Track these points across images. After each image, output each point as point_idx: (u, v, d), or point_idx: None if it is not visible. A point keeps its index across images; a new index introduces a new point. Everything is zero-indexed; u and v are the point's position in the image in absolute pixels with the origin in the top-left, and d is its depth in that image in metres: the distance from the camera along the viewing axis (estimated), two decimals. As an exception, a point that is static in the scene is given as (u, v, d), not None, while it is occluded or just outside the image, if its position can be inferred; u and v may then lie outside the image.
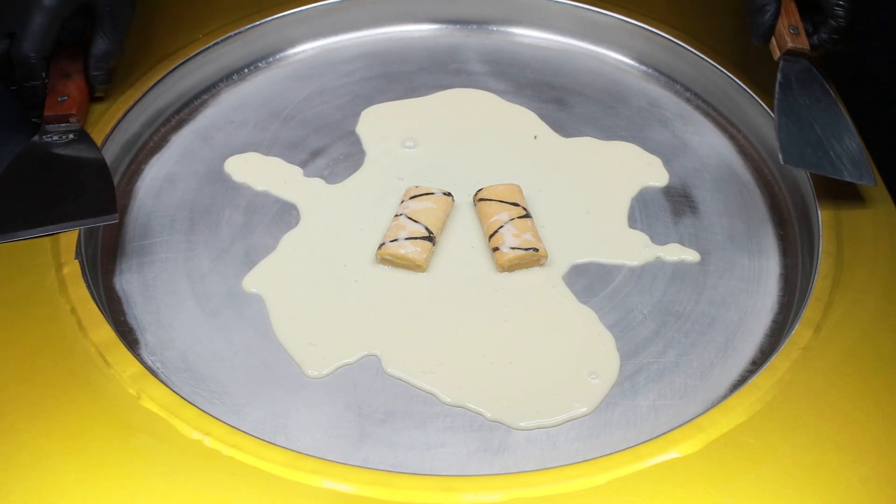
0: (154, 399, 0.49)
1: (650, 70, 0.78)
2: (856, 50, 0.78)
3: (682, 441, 0.48)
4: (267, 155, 0.69)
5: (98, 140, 0.63)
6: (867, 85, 0.76)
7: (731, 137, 0.72)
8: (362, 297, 0.59)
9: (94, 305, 0.53)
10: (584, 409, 0.53)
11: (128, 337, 0.56)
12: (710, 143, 0.71)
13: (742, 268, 0.61)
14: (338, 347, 0.55)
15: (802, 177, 0.64)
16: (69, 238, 0.57)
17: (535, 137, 0.70)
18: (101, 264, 0.60)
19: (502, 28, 0.80)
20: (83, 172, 0.60)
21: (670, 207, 0.66)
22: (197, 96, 0.73)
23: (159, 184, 0.66)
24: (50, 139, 0.62)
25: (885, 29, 0.75)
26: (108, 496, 0.45)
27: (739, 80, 0.71)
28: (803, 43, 0.57)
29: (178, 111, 0.72)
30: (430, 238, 0.60)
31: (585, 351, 0.56)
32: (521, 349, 0.56)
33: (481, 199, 0.63)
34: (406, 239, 0.60)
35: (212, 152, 0.69)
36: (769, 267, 0.62)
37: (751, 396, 0.50)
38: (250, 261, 0.61)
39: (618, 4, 0.77)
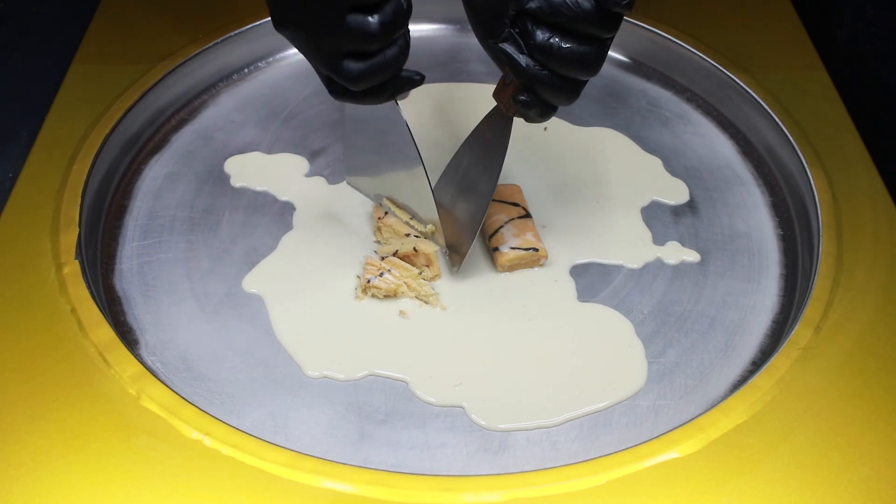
0: (154, 399, 0.49)
1: (650, 70, 0.78)
2: (856, 50, 0.78)
3: (682, 441, 0.48)
4: (267, 155, 0.69)
5: (98, 140, 0.63)
6: (867, 85, 0.76)
7: (731, 137, 0.72)
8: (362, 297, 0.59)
9: (94, 305, 0.53)
10: (640, 383, 0.54)
11: (128, 337, 0.56)
12: (710, 143, 0.71)
13: (742, 268, 0.61)
14: (338, 349, 0.55)
15: (803, 177, 0.64)
16: (69, 238, 0.57)
17: (546, 129, 0.71)
18: (101, 264, 0.60)
19: (502, 28, 0.80)
20: None
21: (670, 208, 0.66)
22: (197, 96, 0.73)
23: (159, 184, 0.66)
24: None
25: (885, 29, 0.75)
26: (108, 496, 0.45)
27: (739, 79, 0.71)
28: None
29: (178, 111, 0.72)
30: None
31: (609, 342, 0.56)
32: (530, 349, 0.56)
33: (481, 199, 0.63)
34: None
35: (212, 152, 0.69)
36: (769, 267, 0.62)
37: (751, 396, 0.50)
38: (250, 261, 0.61)
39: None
